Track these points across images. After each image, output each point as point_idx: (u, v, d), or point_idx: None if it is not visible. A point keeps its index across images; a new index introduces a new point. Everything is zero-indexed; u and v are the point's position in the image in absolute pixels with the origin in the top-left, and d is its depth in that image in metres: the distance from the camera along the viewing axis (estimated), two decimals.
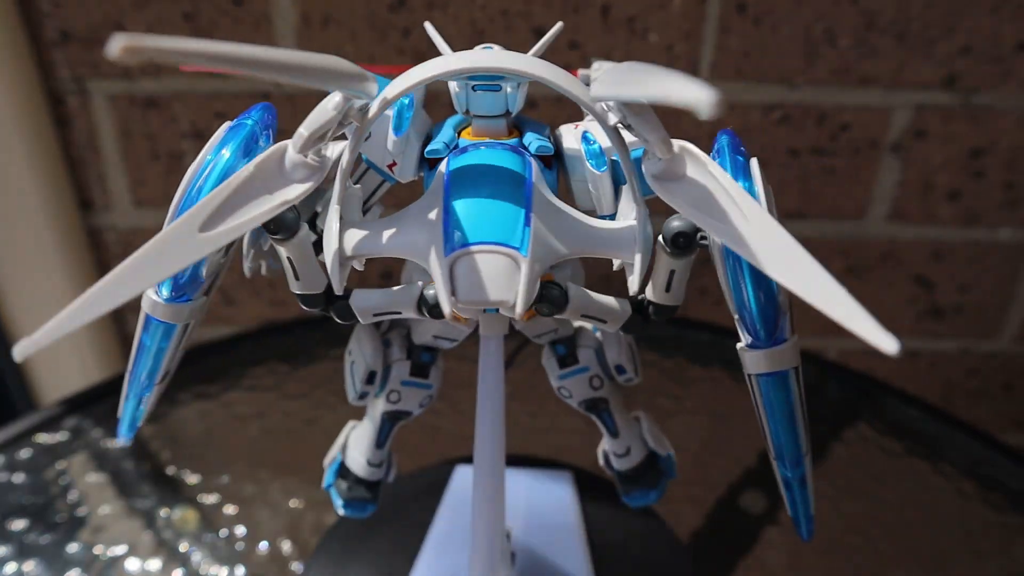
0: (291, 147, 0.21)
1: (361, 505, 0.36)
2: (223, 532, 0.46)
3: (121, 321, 0.75)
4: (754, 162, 0.24)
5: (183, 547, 0.45)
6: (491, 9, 0.60)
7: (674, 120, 0.73)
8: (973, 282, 0.72)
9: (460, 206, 0.21)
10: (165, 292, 0.26)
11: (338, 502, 0.36)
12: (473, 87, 0.24)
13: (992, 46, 0.62)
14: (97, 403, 0.56)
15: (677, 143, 0.21)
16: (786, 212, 0.68)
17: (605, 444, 0.35)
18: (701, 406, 0.56)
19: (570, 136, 0.26)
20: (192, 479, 0.50)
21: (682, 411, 0.56)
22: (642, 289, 0.22)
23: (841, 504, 0.49)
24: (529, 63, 0.21)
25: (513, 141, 0.24)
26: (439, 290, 0.20)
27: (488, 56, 0.21)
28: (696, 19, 0.61)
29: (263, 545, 0.46)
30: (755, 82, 0.63)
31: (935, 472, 0.51)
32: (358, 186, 0.24)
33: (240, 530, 0.46)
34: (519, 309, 0.19)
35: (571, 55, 0.62)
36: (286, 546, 0.45)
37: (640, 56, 0.62)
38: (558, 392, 0.33)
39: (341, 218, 0.22)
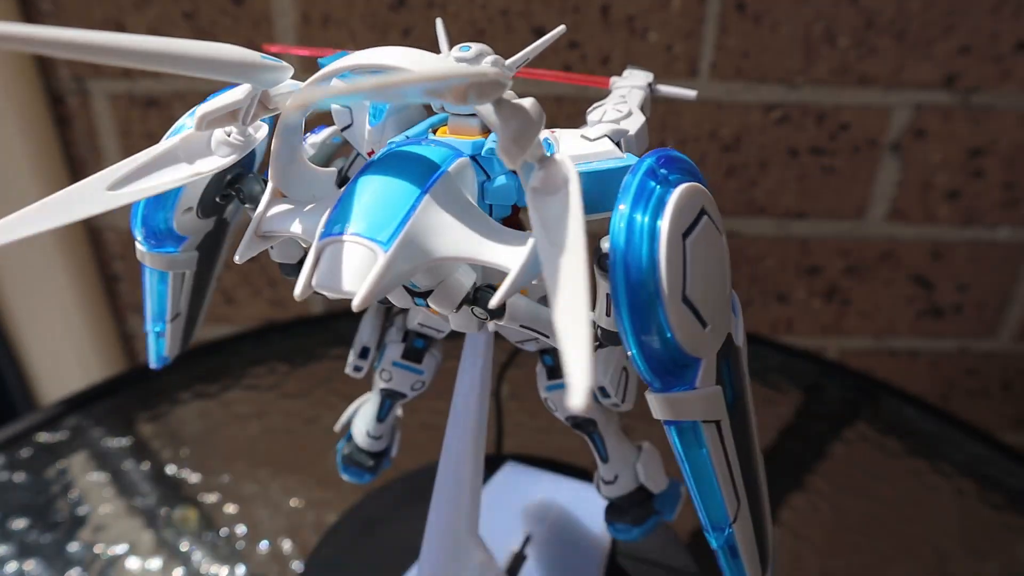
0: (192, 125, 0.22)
1: (359, 472, 0.37)
2: (223, 531, 0.46)
3: (121, 321, 0.75)
4: (676, 193, 0.20)
5: (184, 546, 0.45)
6: (491, 9, 0.60)
7: (674, 120, 0.73)
8: (972, 281, 0.72)
9: (355, 194, 0.21)
10: (140, 238, 0.27)
11: (340, 465, 0.37)
12: None
13: (991, 45, 0.62)
14: (97, 402, 0.56)
15: (560, 156, 0.19)
16: (786, 212, 0.68)
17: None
18: None
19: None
20: (192, 478, 0.50)
21: None
22: (502, 302, 0.20)
23: (841, 503, 0.49)
24: (410, 59, 0.20)
25: (471, 141, 0.23)
26: (303, 273, 0.20)
27: (368, 54, 0.21)
28: (696, 19, 0.61)
29: (263, 544, 0.46)
30: (755, 82, 0.63)
31: (934, 471, 0.51)
32: (332, 168, 0.25)
33: (240, 529, 0.46)
34: (355, 302, 0.19)
35: (571, 55, 0.62)
36: (286, 545, 0.45)
37: (640, 56, 0.62)
38: (545, 404, 0.32)
39: (283, 196, 0.23)
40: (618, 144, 0.23)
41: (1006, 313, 0.74)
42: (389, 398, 0.35)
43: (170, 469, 0.51)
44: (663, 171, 0.21)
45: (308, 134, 0.28)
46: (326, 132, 0.29)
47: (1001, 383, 0.78)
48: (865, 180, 0.67)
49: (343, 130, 0.26)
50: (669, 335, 0.20)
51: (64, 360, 0.72)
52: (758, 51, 0.62)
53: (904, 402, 0.57)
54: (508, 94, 0.18)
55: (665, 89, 0.31)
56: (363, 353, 0.33)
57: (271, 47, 0.27)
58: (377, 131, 0.25)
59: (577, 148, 0.23)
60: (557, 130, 0.24)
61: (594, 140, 0.23)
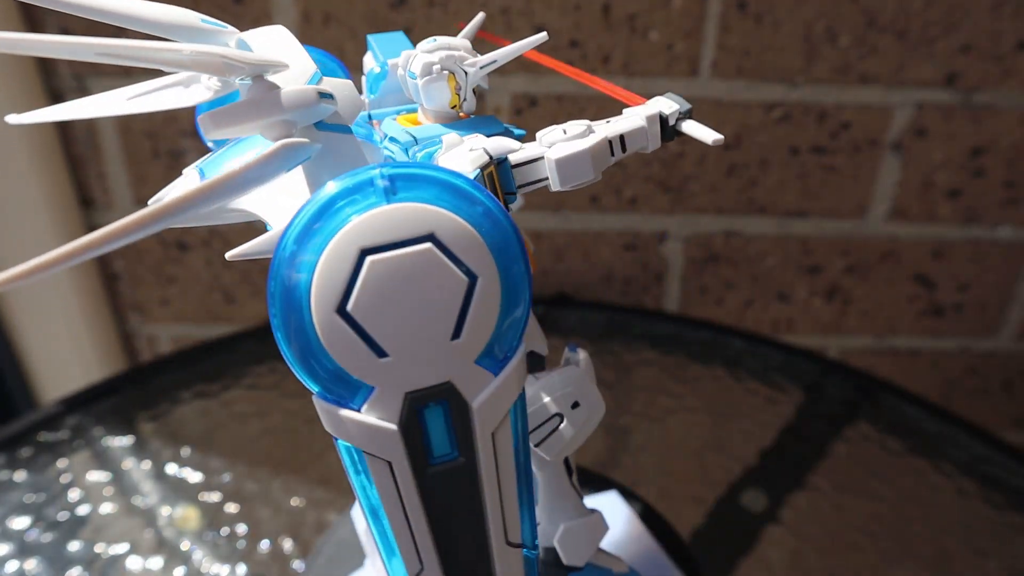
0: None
1: None
2: (224, 530, 0.46)
3: (121, 321, 0.75)
4: (379, 209, 0.19)
5: (184, 546, 0.45)
6: (491, 7, 0.60)
7: None
8: (973, 280, 0.72)
9: (239, 141, 0.23)
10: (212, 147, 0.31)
11: None
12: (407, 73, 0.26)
13: (992, 44, 0.62)
14: (97, 402, 0.56)
15: (287, 140, 0.20)
16: (786, 211, 0.68)
17: None
18: (701, 404, 0.56)
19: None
20: (193, 478, 0.50)
21: (682, 409, 0.56)
22: (237, 257, 0.21)
23: (842, 502, 0.49)
24: (258, 42, 0.24)
25: (402, 128, 0.26)
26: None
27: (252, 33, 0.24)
28: (697, 17, 0.61)
29: (264, 543, 0.46)
30: (756, 80, 0.63)
31: (935, 470, 0.51)
32: None
33: (241, 528, 0.46)
34: (144, 211, 0.21)
35: (571, 53, 0.62)
36: (287, 544, 0.45)
37: (641, 55, 0.62)
38: None
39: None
40: (525, 163, 0.23)
41: (1007, 312, 0.74)
42: None
43: (170, 469, 0.51)
44: (387, 184, 0.19)
45: None
46: None
47: (1002, 382, 0.78)
48: (866, 179, 0.67)
49: None
50: (319, 343, 0.19)
51: (64, 360, 0.72)
52: (759, 50, 0.62)
53: (905, 401, 0.57)
54: (282, 78, 0.21)
55: (688, 128, 0.26)
56: None
57: (461, 24, 0.29)
58: (374, 104, 0.28)
59: (451, 157, 0.23)
60: (480, 136, 0.24)
61: (469, 152, 0.23)
